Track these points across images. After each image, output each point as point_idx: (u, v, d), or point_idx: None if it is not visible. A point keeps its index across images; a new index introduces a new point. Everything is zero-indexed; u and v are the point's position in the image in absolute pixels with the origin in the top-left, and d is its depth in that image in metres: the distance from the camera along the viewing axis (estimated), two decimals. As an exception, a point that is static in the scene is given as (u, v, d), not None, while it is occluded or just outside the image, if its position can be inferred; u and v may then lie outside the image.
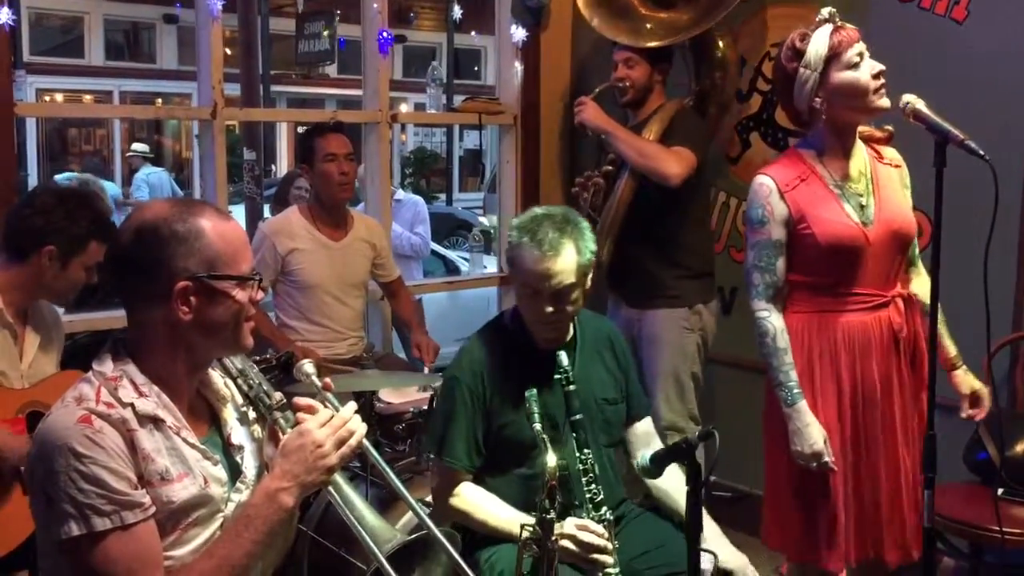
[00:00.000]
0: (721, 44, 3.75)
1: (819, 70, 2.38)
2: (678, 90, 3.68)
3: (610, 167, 3.44)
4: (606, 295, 3.66)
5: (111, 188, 10.79)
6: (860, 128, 2.51)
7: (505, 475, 2.37)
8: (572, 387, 2.28)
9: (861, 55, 2.38)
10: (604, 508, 2.23)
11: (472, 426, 2.34)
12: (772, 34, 3.76)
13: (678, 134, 3.34)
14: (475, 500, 2.34)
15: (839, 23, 2.41)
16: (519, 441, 2.30)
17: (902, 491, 2.49)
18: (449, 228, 11.93)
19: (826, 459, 2.39)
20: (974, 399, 2.57)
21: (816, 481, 2.45)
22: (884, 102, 2.39)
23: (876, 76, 2.37)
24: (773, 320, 2.44)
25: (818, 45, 2.39)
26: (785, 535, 2.55)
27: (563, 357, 2.29)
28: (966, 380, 2.58)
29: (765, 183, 2.45)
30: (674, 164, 3.25)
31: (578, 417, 2.27)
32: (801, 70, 2.41)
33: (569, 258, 2.26)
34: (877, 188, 2.49)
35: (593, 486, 2.24)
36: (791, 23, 3.64)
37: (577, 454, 2.26)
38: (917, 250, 2.62)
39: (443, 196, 18.92)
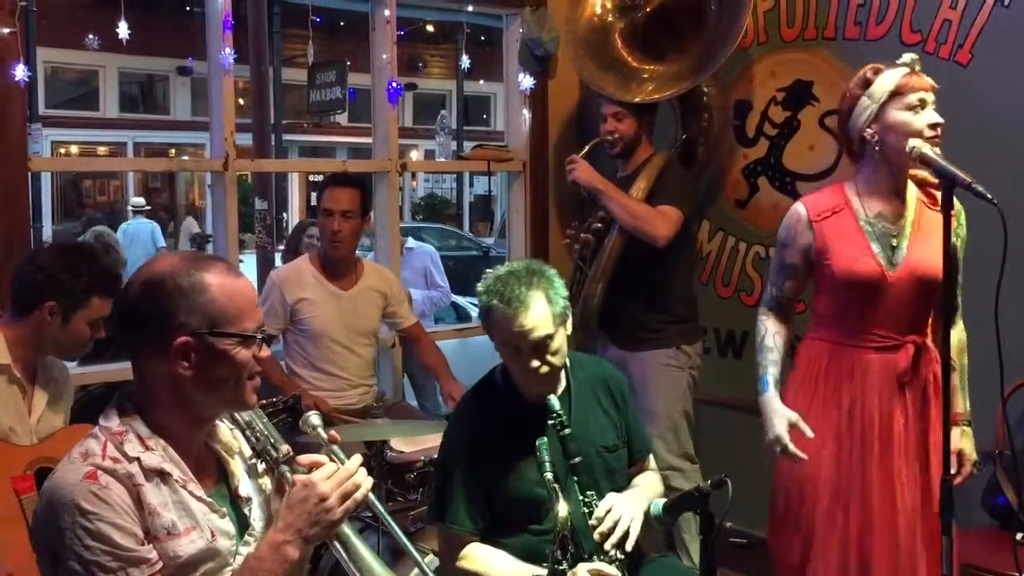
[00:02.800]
0: (706, 90, 3.86)
1: (879, 103, 2.44)
2: (665, 135, 3.78)
3: (599, 224, 3.54)
4: (594, 334, 3.71)
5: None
6: (915, 172, 2.53)
7: (518, 534, 2.33)
8: (567, 431, 2.25)
9: (923, 102, 2.43)
10: (613, 551, 2.20)
11: (472, 489, 2.31)
12: (777, 79, 3.78)
13: (665, 192, 3.46)
14: (485, 560, 2.30)
15: (917, 70, 2.46)
16: (525, 498, 2.28)
17: (898, 539, 2.47)
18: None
19: (786, 442, 2.45)
20: (958, 458, 2.54)
21: (804, 510, 2.52)
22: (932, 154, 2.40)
23: (932, 127, 2.41)
24: (768, 323, 2.63)
25: (886, 80, 2.45)
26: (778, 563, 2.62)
27: (554, 401, 2.27)
28: (958, 440, 2.55)
29: (798, 210, 2.58)
30: (662, 226, 3.38)
31: (577, 460, 2.25)
32: (863, 98, 2.47)
33: (540, 309, 2.24)
34: (916, 233, 2.50)
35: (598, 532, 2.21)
36: (795, 68, 3.70)
37: (581, 498, 2.24)
38: (959, 300, 2.59)
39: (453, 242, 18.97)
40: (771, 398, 2.53)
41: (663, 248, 3.40)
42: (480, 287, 2.33)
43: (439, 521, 2.36)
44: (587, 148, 3.63)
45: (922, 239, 2.49)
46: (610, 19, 3.90)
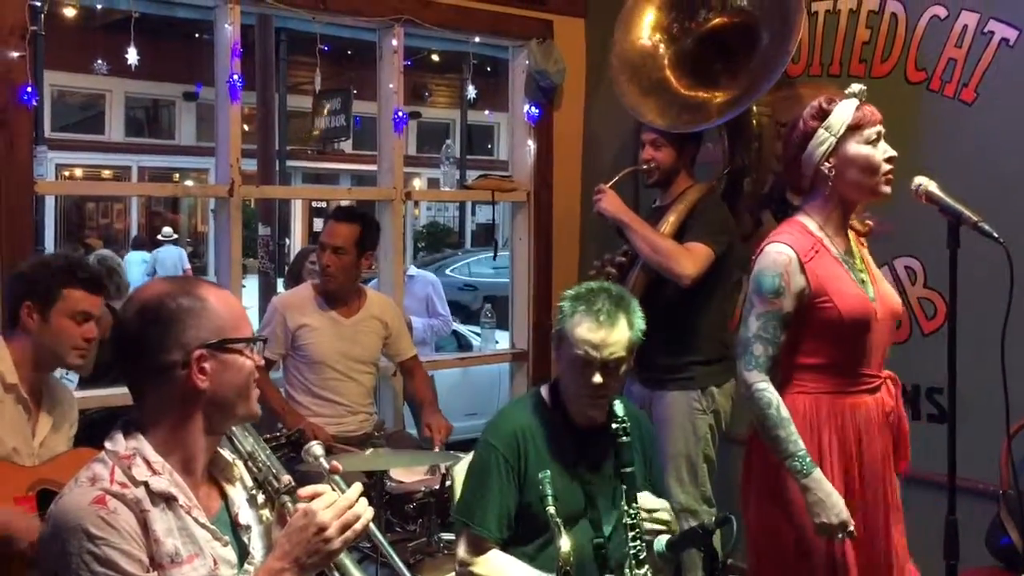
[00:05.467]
0: (755, 111, 3.69)
1: (838, 136, 2.37)
2: (710, 167, 3.66)
3: (623, 258, 3.40)
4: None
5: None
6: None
7: (534, 550, 2.33)
8: (627, 439, 2.28)
9: (879, 135, 2.38)
10: (646, 567, 2.19)
11: (505, 497, 2.32)
12: (780, 115, 3.78)
13: (696, 228, 3.29)
14: (502, 567, 2.30)
15: (865, 100, 2.41)
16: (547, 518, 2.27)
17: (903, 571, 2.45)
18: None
19: (852, 527, 2.30)
20: None
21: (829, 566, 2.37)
22: (887, 188, 2.39)
23: (888, 160, 2.37)
24: (772, 390, 2.33)
25: (843, 112, 2.38)
26: None
27: (619, 406, 2.31)
28: None
29: (786, 253, 2.36)
30: (687, 264, 3.21)
31: (630, 469, 2.26)
32: (820, 130, 2.38)
33: (623, 330, 2.29)
34: (868, 267, 2.49)
35: (638, 543, 2.21)
36: (802, 103, 3.68)
37: (625, 507, 2.24)
38: None
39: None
40: (822, 478, 2.29)
41: (691, 288, 3.23)
42: (567, 293, 2.38)
43: (465, 523, 2.35)
44: (616, 178, 3.46)
45: (875, 274, 2.49)
46: (660, 46, 3.73)
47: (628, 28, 3.79)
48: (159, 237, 14.95)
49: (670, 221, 3.33)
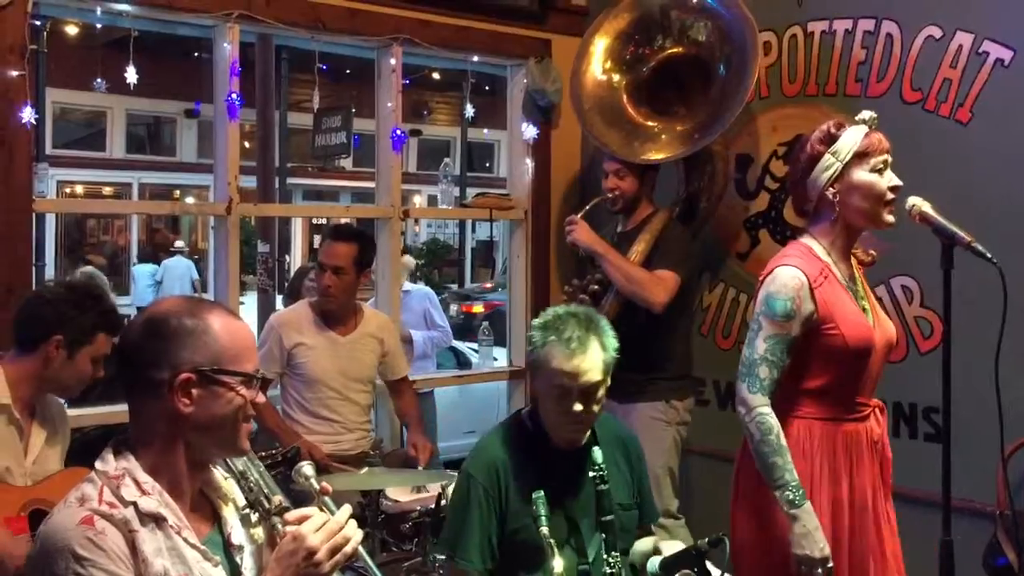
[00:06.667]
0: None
1: (844, 162, 2.36)
2: (666, 192, 3.79)
3: (597, 287, 3.55)
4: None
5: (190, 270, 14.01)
6: None
7: None
8: (605, 486, 2.25)
9: (886, 164, 2.38)
10: None
11: (487, 528, 2.29)
12: (779, 134, 3.81)
13: (664, 255, 3.49)
14: None
15: (875, 128, 2.40)
16: (535, 545, 2.25)
17: None
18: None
19: (831, 564, 2.29)
20: None
21: None
22: (890, 218, 2.38)
23: (893, 189, 2.37)
24: (773, 417, 2.32)
25: (851, 138, 2.37)
26: None
27: (598, 453, 2.27)
28: None
29: (799, 277, 2.34)
30: (659, 292, 3.41)
31: (610, 518, 2.24)
32: (827, 155, 2.38)
33: (596, 354, 2.26)
34: (868, 295, 2.50)
35: None
36: (797, 123, 3.72)
37: (605, 556, 2.22)
38: None
39: (455, 287, 19.02)
40: (811, 511, 2.28)
41: (661, 314, 3.41)
42: (536, 323, 2.34)
43: (449, 556, 2.33)
44: (587, 208, 3.63)
45: (873, 302, 2.50)
46: (615, 76, 3.90)
47: (587, 58, 3.94)
48: (172, 248, 15.33)
49: (639, 250, 3.52)
